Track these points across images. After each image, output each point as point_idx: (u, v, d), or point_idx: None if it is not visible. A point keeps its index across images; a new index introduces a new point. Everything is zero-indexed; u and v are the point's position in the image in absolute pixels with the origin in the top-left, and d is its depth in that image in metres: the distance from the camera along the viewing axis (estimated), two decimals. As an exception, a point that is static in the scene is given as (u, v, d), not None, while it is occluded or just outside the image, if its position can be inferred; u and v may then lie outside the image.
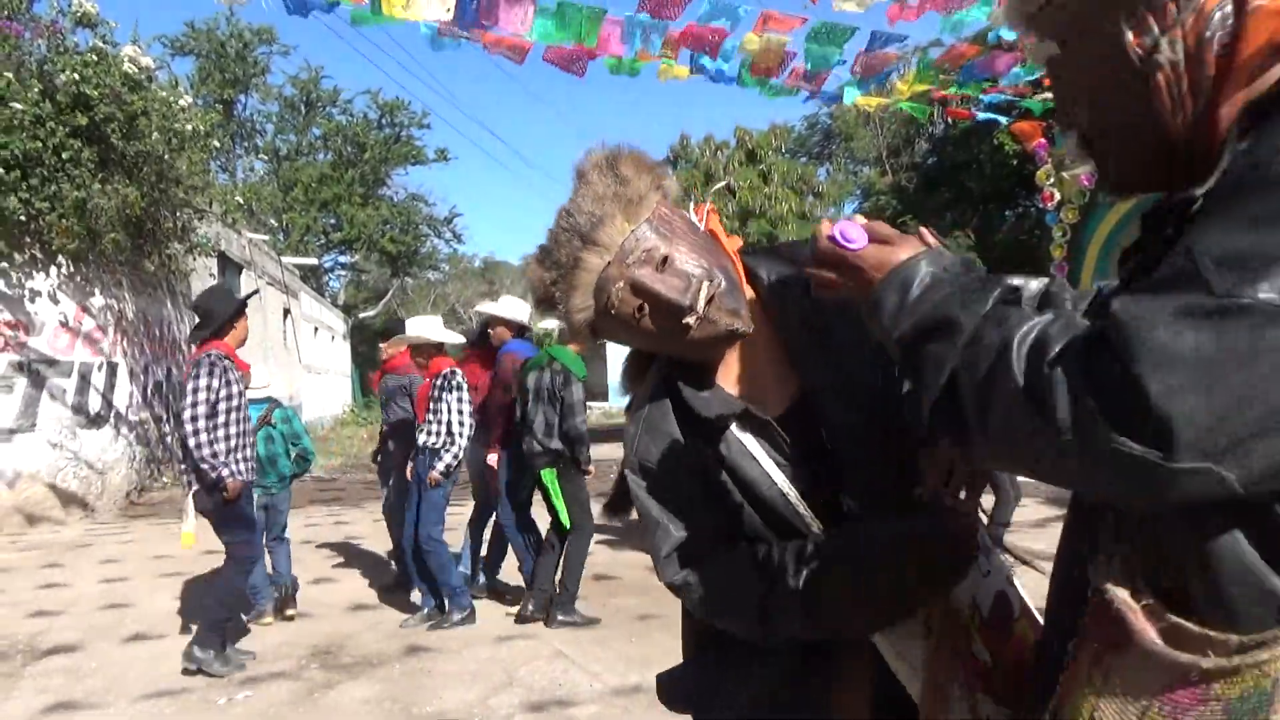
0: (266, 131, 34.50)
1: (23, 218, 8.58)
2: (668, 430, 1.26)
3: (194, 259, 11.73)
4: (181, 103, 10.09)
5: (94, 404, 9.81)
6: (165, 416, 11.35)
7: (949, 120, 15.59)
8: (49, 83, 8.91)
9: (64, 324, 9.45)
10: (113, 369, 10.13)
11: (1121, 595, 0.78)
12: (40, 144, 8.55)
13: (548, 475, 5.04)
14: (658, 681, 1.41)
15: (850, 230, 0.97)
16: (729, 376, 1.29)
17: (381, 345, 6.53)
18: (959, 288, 0.85)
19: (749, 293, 1.29)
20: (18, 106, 8.39)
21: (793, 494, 1.22)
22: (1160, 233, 0.83)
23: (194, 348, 4.57)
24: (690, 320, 1.17)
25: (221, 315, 4.38)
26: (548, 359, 5.04)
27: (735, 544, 1.24)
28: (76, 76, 8.84)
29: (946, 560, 1.12)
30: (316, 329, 23.63)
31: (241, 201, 13.69)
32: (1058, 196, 12.60)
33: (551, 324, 5.78)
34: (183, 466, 4.43)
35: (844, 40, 8.72)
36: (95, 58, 9.09)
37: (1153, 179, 0.90)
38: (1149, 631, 0.75)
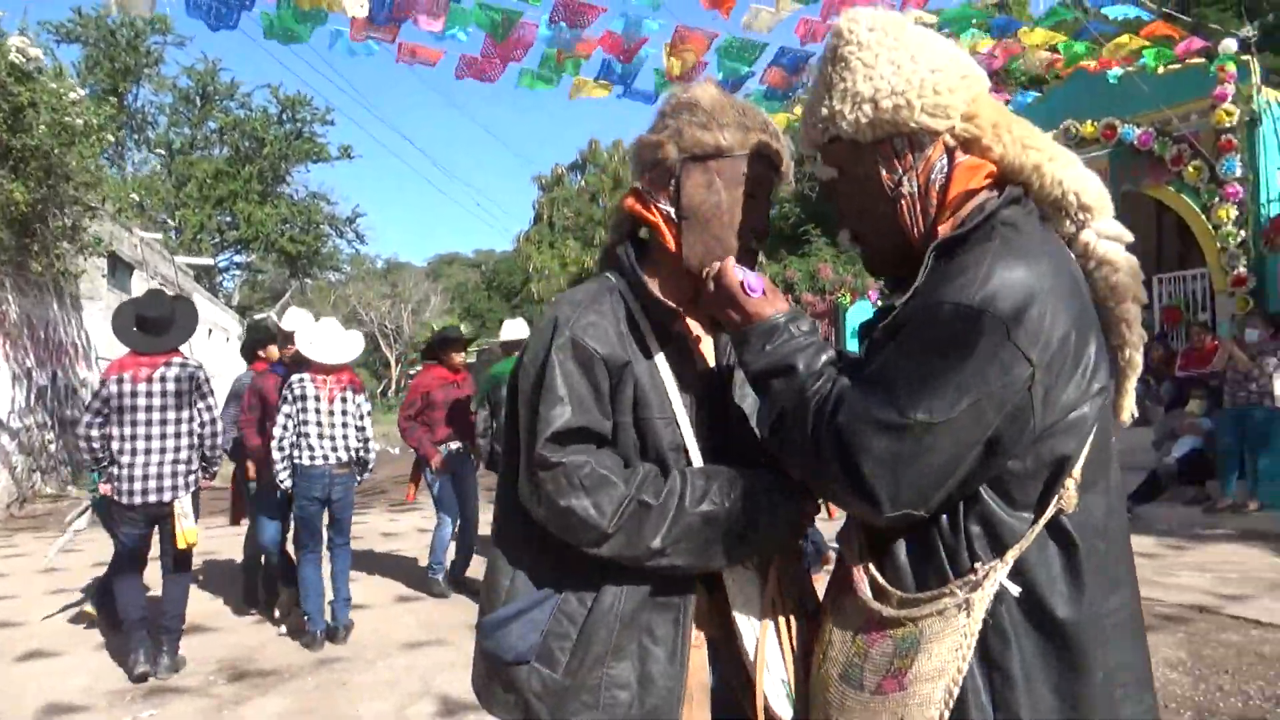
0: (159, 124, 33.20)
1: (-105, 213, 8.12)
2: (607, 326, 1.39)
3: (84, 259, 11.24)
4: (73, 95, 9.67)
5: (-26, 409, 9.33)
6: (50, 423, 10.85)
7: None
8: (-75, 71, 8.46)
9: (-59, 325, 8.96)
10: (-7, 372, 9.64)
11: (851, 557, 1.22)
12: (-85, 136, 8.13)
13: None
14: (483, 647, 1.41)
15: (754, 281, 1.30)
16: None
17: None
18: (803, 346, 1.23)
19: None
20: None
21: (686, 428, 1.41)
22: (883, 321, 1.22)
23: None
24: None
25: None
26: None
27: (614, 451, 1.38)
28: (-44, 66, 8.41)
29: (809, 513, 1.41)
30: (210, 330, 22.88)
31: (136, 199, 13.16)
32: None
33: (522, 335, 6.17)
34: (186, 466, 4.46)
35: (754, 58, 9.00)
36: (-23, 46, 8.66)
37: (897, 267, 1.30)
38: (862, 584, 1.18)
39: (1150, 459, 9.28)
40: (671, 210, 1.43)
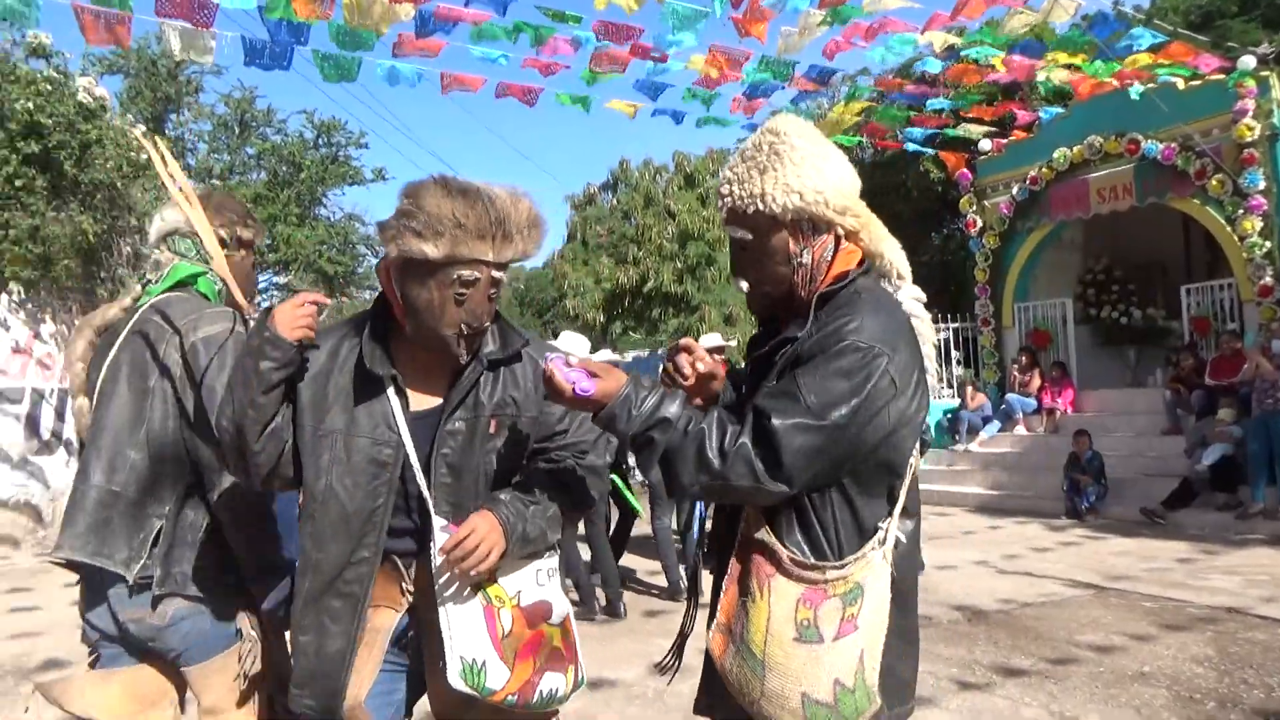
0: (199, 150, 34.01)
1: (-24, 246, 8.64)
2: (347, 346, 1.83)
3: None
4: (137, 131, 10.19)
5: (46, 429, 9.81)
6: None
7: (875, 145, 16.34)
8: (0, 111, 8.98)
9: (16, 349, 9.47)
10: (64, 395, 10.13)
11: (772, 541, 1.53)
12: (-7, 172, 8.64)
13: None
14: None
15: (582, 381, 1.56)
16: (418, 361, 1.83)
17: None
18: (659, 401, 1.53)
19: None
20: (-29, 135, 8.47)
21: (409, 446, 1.77)
22: (768, 345, 1.65)
23: None
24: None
25: None
26: None
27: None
28: (31, 105, 8.92)
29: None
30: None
31: (195, 228, 13.68)
32: (980, 223, 13.41)
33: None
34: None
35: (786, 76, 9.31)
36: (49, 87, 9.18)
37: (773, 310, 1.72)
38: (785, 562, 1.51)
39: (1182, 466, 9.44)
40: (398, 294, 1.75)
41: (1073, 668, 4.56)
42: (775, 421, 1.44)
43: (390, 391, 1.78)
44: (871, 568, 1.52)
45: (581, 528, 6.61)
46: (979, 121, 11.64)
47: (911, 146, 11.96)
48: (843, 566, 1.51)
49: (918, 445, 1.61)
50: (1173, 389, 10.57)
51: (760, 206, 1.60)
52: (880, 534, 1.55)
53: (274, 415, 1.76)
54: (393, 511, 1.78)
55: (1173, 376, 10.81)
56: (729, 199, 1.65)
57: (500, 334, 1.89)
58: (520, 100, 9.58)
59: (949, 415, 12.99)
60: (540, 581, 1.84)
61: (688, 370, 1.71)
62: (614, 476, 6.36)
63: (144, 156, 10.18)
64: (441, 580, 1.72)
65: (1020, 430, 12.24)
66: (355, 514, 1.76)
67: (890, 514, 1.57)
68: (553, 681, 1.80)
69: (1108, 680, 4.35)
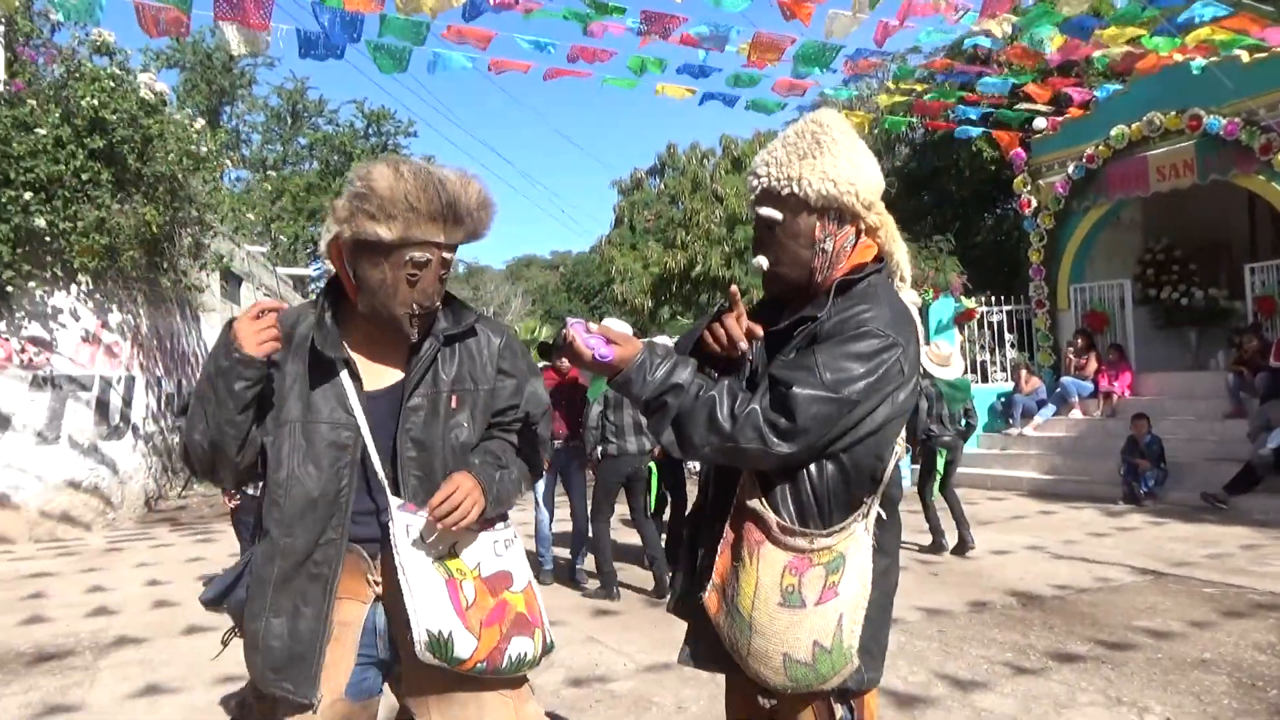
0: (253, 141, 34.73)
1: (47, 238, 8.94)
2: (301, 331, 1.86)
3: (206, 274, 12.08)
4: (196, 125, 10.45)
5: (114, 415, 10.15)
6: (177, 428, 11.70)
7: (926, 126, 16.09)
8: (67, 107, 9.25)
9: (85, 339, 9.79)
10: (130, 382, 10.48)
11: (764, 510, 1.66)
12: (62, 167, 8.90)
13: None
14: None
15: (601, 347, 1.65)
16: (374, 339, 1.89)
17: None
18: (672, 367, 1.65)
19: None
20: (41, 132, 8.74)
21: (364, 427, 1.81)
22: (784, 322, 1.76)
23: None
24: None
25: None
26: None
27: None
28: (96, 102, 9.18)
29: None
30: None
31: (253, 218, 14.02)
32: (1034, 203, 13.17)
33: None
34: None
35: (831, 60, 9.24)
36: (113, 83, 9.44)
37: (789, 294, 1.82)
38: (774, 529, 1.64)
39: (1245, 450, 9.22)
40: (351, 273, 1.80)
41: (1130, 654, 4.52)
42: (796, 390, 1.57)
43: (344, 375, 1.83)
44: (854, 539, 1.67)
45: (627, 513, 6.73)
46: (1033, 100, 11.42)
47: (964, 128, 11.77)
48: (829, 535, 1.64)
49: (902, 432, 1.76)
50: (1235, 371, 10.30)
51: (795, 189, 1.71)
52: (864, 508, 1.68)
53: (250, 426, 1.82)
54: (356, 494, 1.83)
55: (1235, 359, 10.52)
56: (764, 179, 1.75)
57: (453, 311, 1.95)
58: (569, 76, 9.63)
59: (1002, 399, 12.82)
60: (498, 552, 1.89)
61: (738, 334, 1.76)
62: (651, 465, 6.48)
63: (203, 149, 10.44)
64: (403, 555, 1.77)
65: (1075, 414, 12.02)
66: (321, 498, 1.80)
67: (875, 492, 1.70)
68: (521, 645, 1.84)
69: (1166, 667, 4.31)
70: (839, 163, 1.70)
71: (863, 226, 1.76)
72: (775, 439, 1.58)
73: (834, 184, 1.69)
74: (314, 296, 1.94)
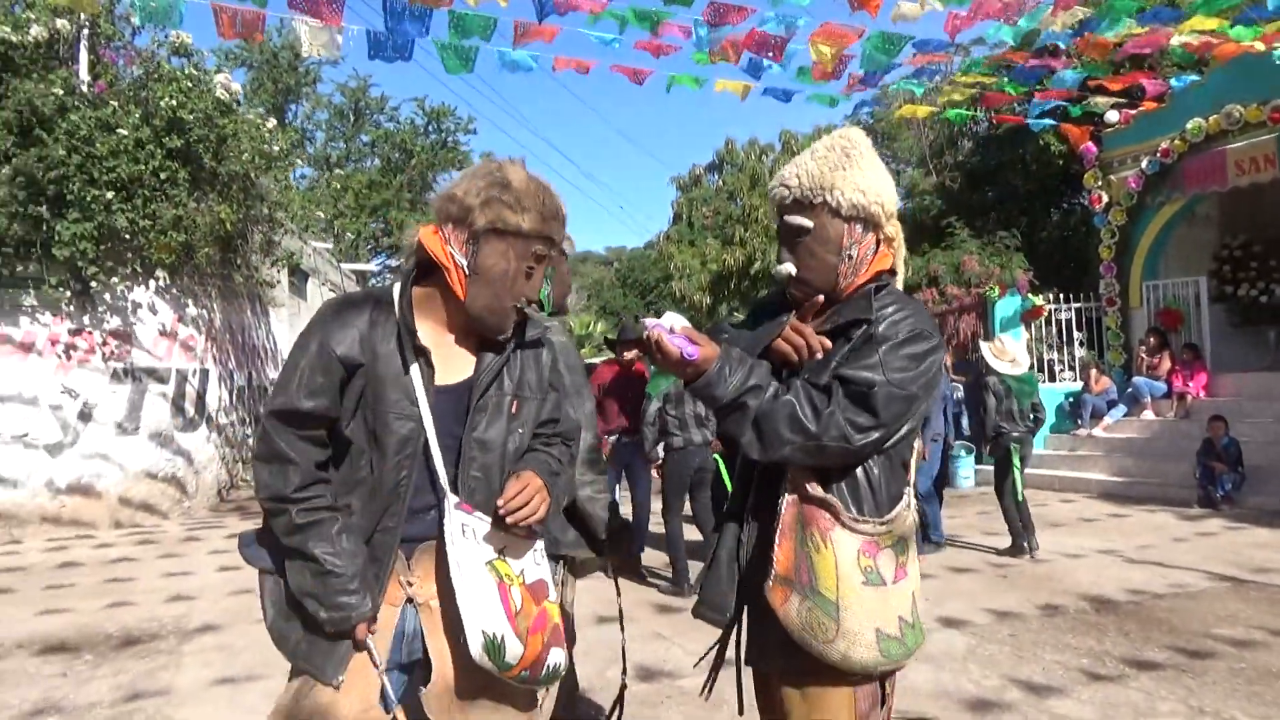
0: (316, 139, 35.42)
1: (126, 235, 9.24)
2: (352, 330, 1.79)
3: (277, 271, 12.38)
4: (269, 125, 10.70)
5: (189, 407, 10.47)
6: (248, 419, 12.01)
7: (992, 120, 15.75)
8: (146, 108, 9.54)
9: (163, 332, 10.10)
10: (205, 375, 10.78)
11: (831, 499, 1.72)
12: (142, 166, 9.18)
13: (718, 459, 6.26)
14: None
15: (688, 347, 1.69)
16: (446, 336, 1.89)
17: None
18: (751, 369, 1.72)
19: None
20: (122, 132, 9.03)
21: (430, 427, 1.79)
22: (832, 324, 1.84)
23: None
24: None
25: None
26: None
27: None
28: (174, 102, 9.46)
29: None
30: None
31: (321, 215, 14.33)
32: (1105, 199, 12.84)
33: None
34: None
35: (898, 51, 9.12)
36: (190, 84, 9.71)
37: (807, 301, 1.89)
38: (844, 515, 1.72)
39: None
40: (465, 264, 1.78)
41: (1211, 662, 4.41)
42: (877, 389, 1.69)
43: (415, 367, 1.80)
44: (906, 524, 1.79)
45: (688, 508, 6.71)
46: (1105, 93, 11.13)
47: (1033, 123, 11.52)
48: (887, 523, 1.75)
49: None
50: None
51: (828, 198, 1.82)
52: (906, 498, 1.80)
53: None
54: (414, 488, 1.81)
55: (1318, 359, 10.17)
56: (795, 189, 1.84)
57: (528, 317, 1.96)
58: (630, 80, 9.67)
59: (1070, 399, 12.54)
60: (537, 561, 1.90)
61: (816, 344, 1.82)
62: (716, 457, 6.44)
63: (274, 148, 10.69)
64: (458, 553, 1.76)
65: (1148, 415, 11.72)
66: (382, 484, 1.78)
67: (909, 481, 1.84)
68: (557, 656, 1.86)
69: (1250, 677, 4.19)
70: (868, 174, 1.83)
71: (882, 236, 1.87)
72: (858, 436, 1.68)
73: (863, 194, 1.81)
74: (374, 285, 1.99)
